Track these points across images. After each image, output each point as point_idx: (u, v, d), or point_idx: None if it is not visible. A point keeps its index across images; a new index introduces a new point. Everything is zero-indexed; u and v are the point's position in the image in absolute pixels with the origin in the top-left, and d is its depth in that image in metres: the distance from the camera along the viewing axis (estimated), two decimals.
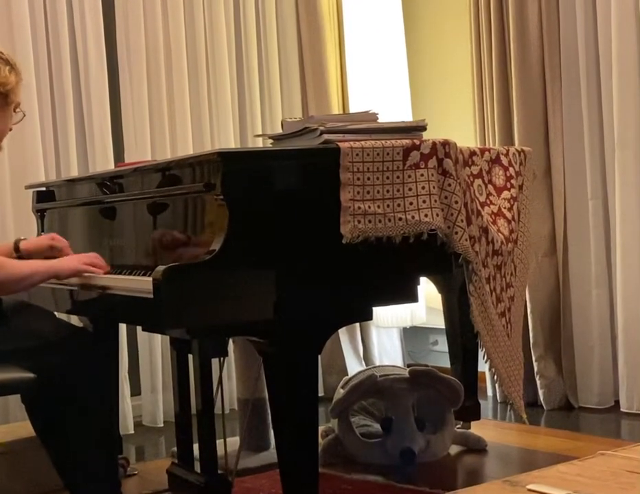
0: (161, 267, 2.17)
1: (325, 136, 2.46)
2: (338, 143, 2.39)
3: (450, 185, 2.50)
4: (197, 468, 2.84)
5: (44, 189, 3.31)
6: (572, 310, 4.06)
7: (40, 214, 3.28)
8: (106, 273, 2.58)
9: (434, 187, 2.45)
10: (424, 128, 2.62)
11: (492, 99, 4.19)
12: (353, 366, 4.55)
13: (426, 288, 3.90)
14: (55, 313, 2.77)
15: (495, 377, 2.81)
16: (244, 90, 4.51)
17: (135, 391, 4.16)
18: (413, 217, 2.42)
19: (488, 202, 2.79)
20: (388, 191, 2.40)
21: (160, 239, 2.60)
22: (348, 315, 2.47)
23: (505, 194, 2.87)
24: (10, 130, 2.72)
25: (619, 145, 3.82)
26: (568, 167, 4.05)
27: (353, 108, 4.61)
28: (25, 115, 2.74)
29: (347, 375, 3.68)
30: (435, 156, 2.48)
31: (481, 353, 2.77)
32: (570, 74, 4.02)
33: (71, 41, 4.04)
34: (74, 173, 3.96)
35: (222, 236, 2.23)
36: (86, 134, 4.07)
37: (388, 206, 2.40)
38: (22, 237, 2.87)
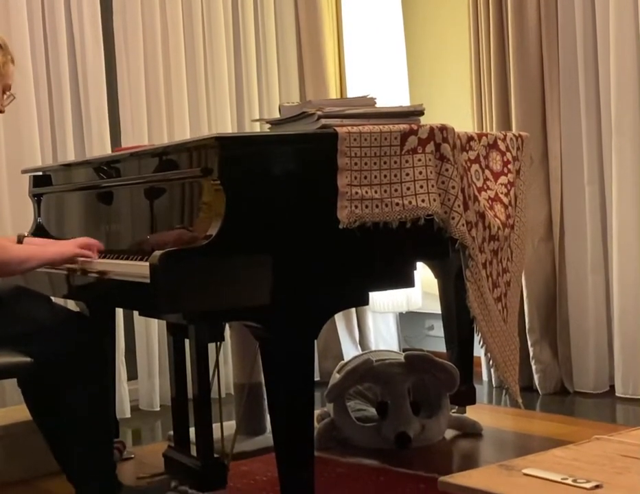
0: (157, 252, 2.17)
1: (323, 121, 2.46)
2: (336, 128, 2.39)
3: (447, 170, 2.50)
4: (193, 451, 2.85)
5: (40, 173, 3.30)
6: (568, 295, 4.07)
7: (37, 198, 3.28)
8: (100, 252, 2.58)
9: (431, 172, 2.45)
10: (421, 113, 2.61)
11: (490, 84, 4.19)
12: (349, 350, 4.56)
13: (422, 273, 3.90)
14: (52, 298, 2.77)
15: (491, 361, 2.81)
16: (242, 75, 4.50)
17: (132, 375, 4.16)
18: (410, 202, 2.42)
19: (485, 187, 2.80)
20: (385, 176, 2.40)
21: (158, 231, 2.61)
22: (344, 300, 2.48)
23: (502, 179, 2.87)
24: (2, 112, 2.70)
25: (616, 131, 3.82)
26: (565, 153, 4.05)
27: (351, 92, 4.60)
28: (14, 97, 2.72)
29: (343, 360, 3.69)
30: (433, 141, 2.47)
31: (476, 338, 2.78)
32: (567, 59, 4.02)
33: (68, 25, 4.02)
34: (71, 157, 3.95)
35: (219, 221, 2.23)
36: (83, 118, 4.06)
37: (385, 191, 2.40)
38: (25, 234, 2.86)
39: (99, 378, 2.57)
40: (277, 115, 2.83)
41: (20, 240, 2.77)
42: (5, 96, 2.67)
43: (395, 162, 2.42)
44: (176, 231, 2.49)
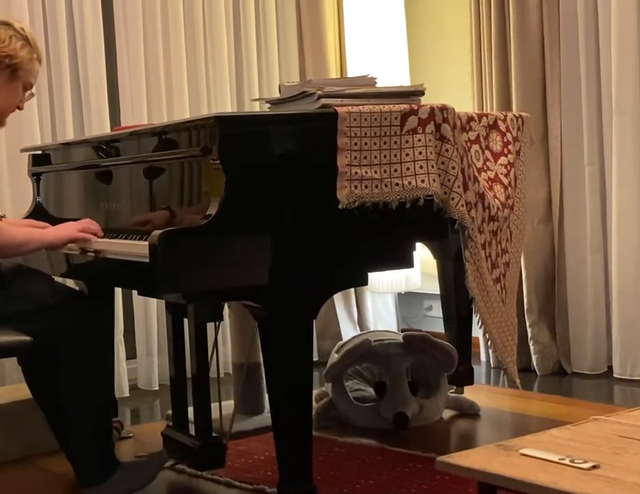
0: (157, 232, 2.17)
1: (323, 101, 2.46)
2: (336, 108, 2.38)
3: (447, 151, 2.49)
4: (192, 431, 2.85)
5: (40, 152, 3.29)
6: (567, 276, 4.07)
7: (36, 177, 3.27)
8: (99, 237, 2.58)
9: (431, 153, 2.45)
10: (422, 93, 2.61)
11: (490, 64, 4.18)
12: (348, 331, 4.56)
13: (422, 254, 3.90)
14: (52, 276, 2.77)
15: (489, 342, 2.82)
16: (242, 54, 4.48)
17: (131, 354, 4.17)
18: (409, 182, 2.41)
19: (485, 168, 2.79)
20: (385, 156, 2.40)
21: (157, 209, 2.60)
22: (343, 280, 2.48)
23: (502, 160, 2.86)
24: (20, 108, 2.68)
25: (617, 111, 3.81)
26: (565, 133, 4.04)
27: (351, 72, 4.58)
28: (34, 95, 2.70)
29: (342, 340, 3.70)
30: (433, 121, 2.47)
31: (475, 319, 2.79)
32: (568, 39, 4.00)
33: (67, 2, 4.00)
34: (70, 136, 3.94)
35: (218, 201, 2.23)
36: (82, 97, 4.05)
37: (385, 171, 2.40)
38: (2, 214, 2.85)
39: (98, 357, 2.58)
40: (276, 95, 2.82)
41: None
42: (26, 94, 2.66)
43: (395, 143, 2.42)
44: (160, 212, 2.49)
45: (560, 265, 4.09)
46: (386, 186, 2.39)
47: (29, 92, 2.66)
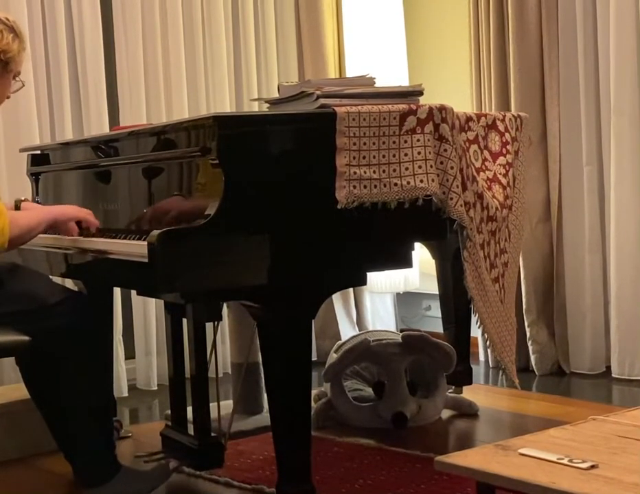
0: (156, 231, 2.17)
1: (322, 101, 2.46)
2: (335, 108, 2.39)
3: (446, 151, 2.50)
4: (190, 430, 2.85)
5: (39, 152, 3.29)
6: (565, 276, 4.07)
7: (35, 177, 3.27)
8: (96, 230, 2.59)
9: (430, 153, 2.45)
10: (420, 93, 2.61)
11: (489, 64, 4.18)
12: (347, 330, 4.56)
13: (420, 254, 3.91)
14: (50, 276, 2.77)
15: (487, 342, 2.82)
16: (240, 54, 4.49)
17: (129, 354, 4.17)
18: (408, 182, 2.42)
19: (484, 168, 2.80)
20: (384, 156, 2.40)
21: (156, 206, 2.60)
22: (342, 280, 2.48)
23: (501, 160, 2.87)
24: (8, 97, 2.69)
25: (615, 112, 3.81)
26: (563, 133, 4.05)
27: (350, 72, 4.58)
28: (24, 85, 2.72)
29: (341, 340, 3.70)
30: (432, 121, 2.47)
31: (473, 319, 2.79)
32: (567, 40, 4.01)
33: (66, 2, 4.00)
34: (69, 136, 3.94)
35: (217, 200, 2.23)
36: (81, 97, 4.05)
37: (383, 171, 2.40)
38: (22, 199, 2.85)
39: (97, 357, 2.57)
40: (275, 95, 2.83)
41: (17, 205, 2.76)
42: (14, 83, 2.67)
43: (394, 143, 2.42)
44: (172, 198, 2.49)
45: (558, 265, 4.09)
46: (385, 186, 2.40)
47: (18, 80, 2.67)
